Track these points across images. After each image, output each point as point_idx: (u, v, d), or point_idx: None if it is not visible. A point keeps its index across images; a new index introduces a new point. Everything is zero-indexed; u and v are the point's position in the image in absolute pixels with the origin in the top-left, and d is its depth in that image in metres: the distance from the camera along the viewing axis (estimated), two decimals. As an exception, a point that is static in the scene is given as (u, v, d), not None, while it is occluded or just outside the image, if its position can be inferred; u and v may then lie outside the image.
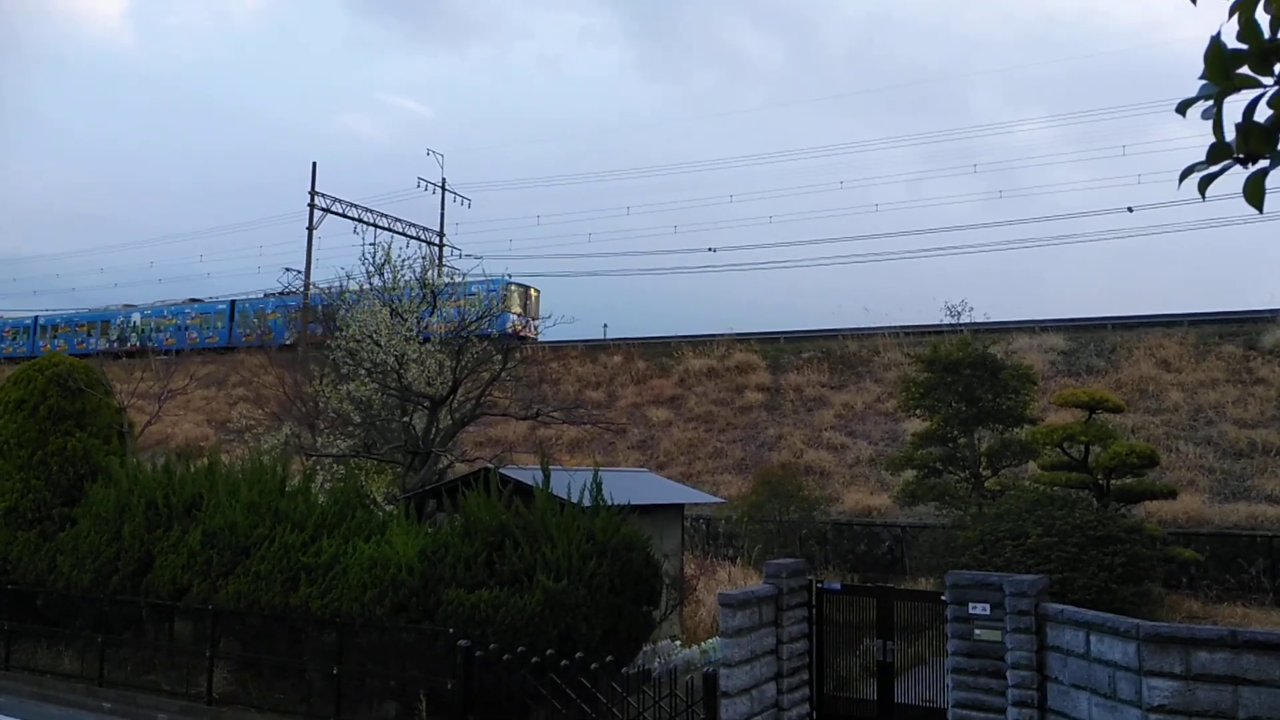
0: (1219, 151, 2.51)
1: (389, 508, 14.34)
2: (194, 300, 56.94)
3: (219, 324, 54.75)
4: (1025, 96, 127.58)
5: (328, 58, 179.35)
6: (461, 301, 41.31)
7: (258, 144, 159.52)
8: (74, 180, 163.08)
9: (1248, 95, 2.48)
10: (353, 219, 45.49)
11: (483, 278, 40.43)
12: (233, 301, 53.48)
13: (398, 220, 47.42)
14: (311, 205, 44.09)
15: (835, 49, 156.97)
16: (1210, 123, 2.50)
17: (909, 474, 21.26)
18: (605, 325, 42.37)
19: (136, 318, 57.83)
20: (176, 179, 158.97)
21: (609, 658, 9.81)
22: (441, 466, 17.04)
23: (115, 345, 56.13)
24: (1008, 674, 9.53)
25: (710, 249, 43.10)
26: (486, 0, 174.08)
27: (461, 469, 17.87)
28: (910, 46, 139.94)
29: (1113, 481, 18.26)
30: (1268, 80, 2.46)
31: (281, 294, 48.19)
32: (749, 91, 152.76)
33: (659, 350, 38.31)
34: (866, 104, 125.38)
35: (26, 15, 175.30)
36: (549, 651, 9.79)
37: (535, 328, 42.79)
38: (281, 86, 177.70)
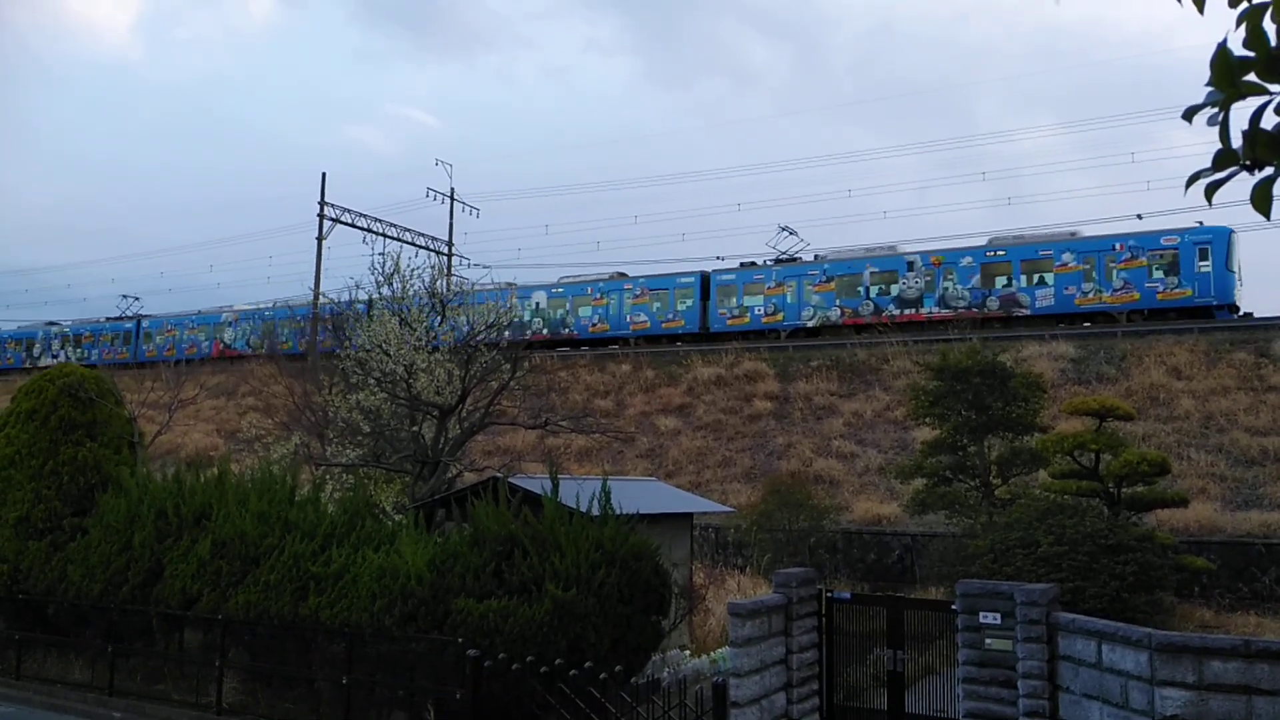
0: (1225, 158, 2.51)
1: (398, 517, 14.36)
2: (622, 275, 43.63)
3: (687, 301, 40.74)
4: (1031, 104, 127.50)
5: (335, 70, 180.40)
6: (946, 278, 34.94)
7: (266, 156, 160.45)
8: (83, 193, 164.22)
9: (1254, 102, 2.49)
10: (362, 229, 45.68)
11: (1182, 227, 32.34)
12: (702, 274, 41.19)
13: (407, 230, 47.61)
14: (321, 215, 44.28)
15: (841, 58, 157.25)
16: (1217, 129, 2.50)
17: (919, 482, 21.20)
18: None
19: (541, 297, 44.05)
20: (185, 191, 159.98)
21: (618, 667, 9.80)
22: (450, 476, 17.06)
23: (533, 331, 43.10)
24: (1019, 683, 9.48)
25: (718, 257, 43.07)
26: (492, 11, 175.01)
27: (470, 478, 17.89)
28: (916, 56, 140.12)
29: (1124, 490, 18.18)
30: (1274, 87, 2.46)
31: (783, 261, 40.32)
32: (756, 100, 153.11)
33: (667, 359, 38.33)
34: (873, 113, 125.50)
35: (35, 30, 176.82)
36: (558, 661, 9.77)
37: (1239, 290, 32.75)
38: (290, 98, 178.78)
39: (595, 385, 38.07)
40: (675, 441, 32.80)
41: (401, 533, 12.70)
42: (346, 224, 45.46)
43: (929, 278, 35.62)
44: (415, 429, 16.99)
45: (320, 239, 43.92)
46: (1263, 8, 2.47)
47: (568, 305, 43.33)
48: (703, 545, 24.02)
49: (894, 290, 36.27)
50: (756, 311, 38.90)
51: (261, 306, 53.82)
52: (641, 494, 14.61)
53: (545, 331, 42.83)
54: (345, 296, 20.95)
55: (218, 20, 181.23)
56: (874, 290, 36.65)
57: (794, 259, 40.52)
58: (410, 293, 17.91)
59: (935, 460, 20.68)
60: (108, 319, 62.50)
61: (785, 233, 42.73)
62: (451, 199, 50.47)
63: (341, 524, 13.14)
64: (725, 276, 40.17)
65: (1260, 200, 2.50)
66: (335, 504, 14.55)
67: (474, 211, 51.77)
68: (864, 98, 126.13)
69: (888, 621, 11.15)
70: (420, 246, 46.80)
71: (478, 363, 16.80)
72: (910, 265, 36.21)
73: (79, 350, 60.48)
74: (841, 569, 24.24)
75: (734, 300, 39.52)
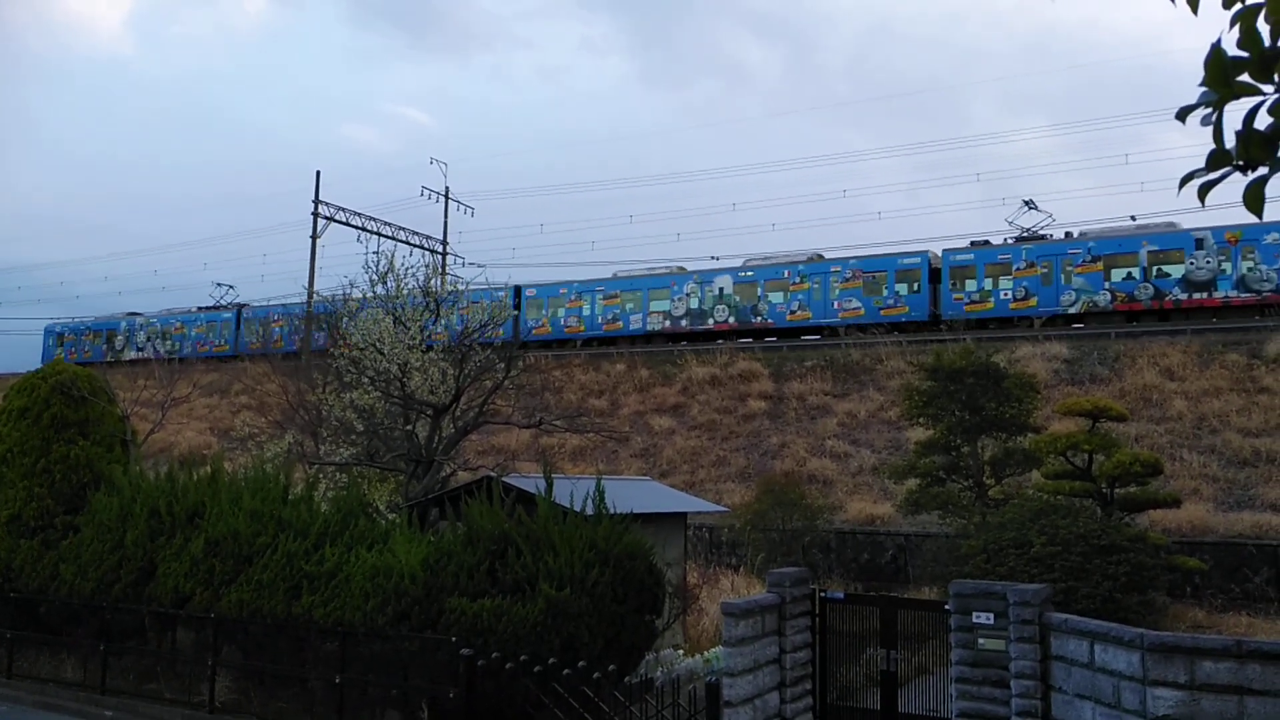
0: (1219, 158, 2.52)
1: (392, 516, 14.34)
2: (820, 256, 39.25)
3: (911, 285, 36.47)
4: (1025, 106, 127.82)
5: (330, 68, 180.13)
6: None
7: (261, 154, 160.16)
8: (77, 190, 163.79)
9: (1248, 103, 2.49)
10: (356, 228, 45.60)
11: None
12: (928, 253, 36.49)
13: (401, 229, 47.54)
14: (315, 214, 44.19)
15: (835, 60, 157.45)
16: (1210, 130, 2.51)
17: (912, 482, 21.22)
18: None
19: (725, 282, 40.00)
20: (179, 189, 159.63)
21: (611, 667, 9.80)
22: (444, 475, 17.04)
23: (717, 321, 39.77)
24: (1011, 683, 9.50)
25: (713, 258, 42.81)
26: (487, 11, 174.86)
27: (464, 477, 17.87)
28: (909, 57, 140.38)
29: (1116, 490, 18.22)
30: (1268, 88, 2.47)
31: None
32: (750, 101, 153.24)
33: (662, 358, 38.33)
34: (867, 114, 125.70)
35: (28, 26, 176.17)
36: (551, 660, 9.76)
37: None
38: (284, 96, 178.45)
39: (590, 385, 38.05)
40: (669, 441, 32.80)
41: (395, 532, 12.68)
42: (341, 222, 45.39)
43: (1223, 257, 31.50)
44: (409, 428, 16.97)
45: (314, 237, 43.84)
46: (1256, 8, 2.48)
47: (759, 291, 39.28)
48: (696, 545, 24.01)
49: (1178, 271, 32.29)
50: (1002, 296, 34.74)
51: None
52: (635, 493, 14.60)
53: (732, 320, 39.66)
54: (339, 295, 20.91)
55: (211, 18, 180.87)
56: (1152, 271, 32.54)
57: (1040, 236, 36.42)
58: (404, 291, 17.88)
59: (929, 460, 20.70)
60: (200, 308, 57.33)
61: (1027, 207, 38.74)
62: (446, 198, 50.42)
63: (335, 523, 13.11)
64: (961, 256, 35.81)
65: (1253, 200, 2.51)
66: (329, 503, 14.52)
67: (469, 210, 51.76)
68: (859, 98, 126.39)
69: (881, 621, 11.16)
70: (414, 245, 46.74)
71: (472, 361, 16.78)
72: (1199, 243, 31.92)
73: (168, 343, 55.65)
74: (835, 569, 24.25)
75: (972, 283, 35.33)
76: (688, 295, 40.71)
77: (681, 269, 42.21)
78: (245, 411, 35.31)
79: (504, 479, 13.30)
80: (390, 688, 11.64)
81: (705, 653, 14.07)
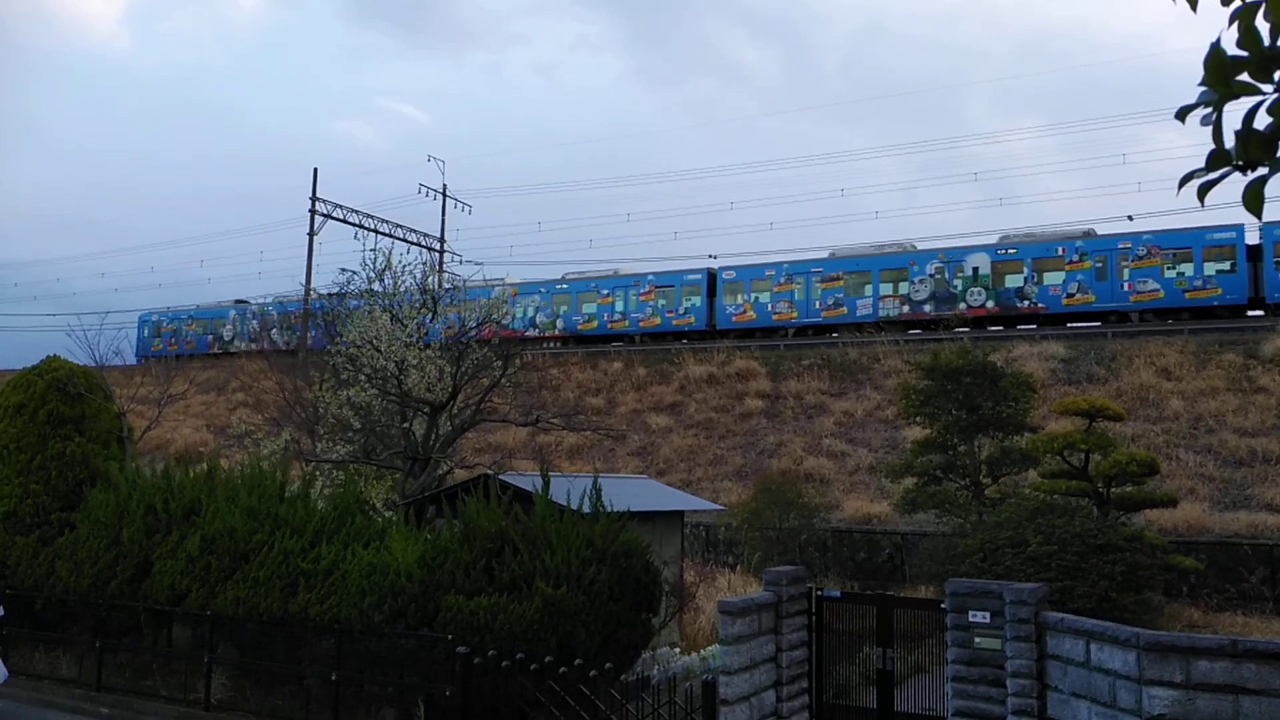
0: (1218, 158, 2.52)
1: (388, 514, 14.32)
2: (1090, 232, 34.70)
3: (1222, 265, 31.28)
4: (1021, 106, 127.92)
5: (325, 64, 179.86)
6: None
7: (257, 150, 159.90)
8: (72, 186, 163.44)
9: (1247, 102, 2.49)
10: (353, 225, 45.55)
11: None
12: (1241, 228, 31.29)
13: (398, 226, 47.48)
14: (312, 211, 44.16)
15: (831, 59, 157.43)
16: (1209, 130, 2.51)
17: (909, 481, 21.23)
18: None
19: (980, 261, 35.15)
20: (175, 185, 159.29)
21: (608, 665, 9.79)
22: (441, 472, 17.03)
23: (970, 305, 34.42)
24: (1008, 682, 9.51)
25: (711, 256, 42.75)
26: (482, 7, 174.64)
27: (461, 475, 17.87)
28: (905, 57, 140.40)
29: (1113, 490, 18.24)
30: (1267, 87, 2.47)
31: None
32: (747, 99, 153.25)
33: (659, 357, 38.32)
34: (863, 113, 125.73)
35: (23, 20, 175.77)
36: (548, 658, 9.76)
37: None
38: (279, 92, 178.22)
39: (587, 383, 38.03)
40: (667, 439, 32.81)
41: (391, 529, 12.67)
42: (338, 220, 45.34)
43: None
44: (406, 425, 16.96)
45: (311, 234, 43.81)
46: (1255, 6, 2.47)
47: (1025, 271, 34.63)
48: (693, 543, 24.03)
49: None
50: None
51: (593, 274, 43.05)
52: (633, 492, 14.59)
53: (990, 304, 34.96)
54: (337, 291, 20.89)
55: (205, 12, 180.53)
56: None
57: None
58: (401, 289, 17.86)
59: (925, 459, 20.72)
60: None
61: None
62: (444, 195, 50.39)
63: (331, 520, 13.10)
64: None
65: (1252, 200, 2.50)
66: (325, 500, 14.51)
67: (466, 208, 51.70)
68: (854, 97, 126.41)
69: (877, 620, 11.17)
70: (412, 243, 46.71)
71: (469, 359, 16.76)
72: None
73: (286, 334, 50.03)
74: (831, 567, 24.27)
75: None
76: (932, 276, 35.77)
77: (914, 246, 37.66)
78: (242, 409, 35.28)
79: (501, 477, 13.29)
80: (386, 685, 11.63)
81: (702, 651, 14.08)
